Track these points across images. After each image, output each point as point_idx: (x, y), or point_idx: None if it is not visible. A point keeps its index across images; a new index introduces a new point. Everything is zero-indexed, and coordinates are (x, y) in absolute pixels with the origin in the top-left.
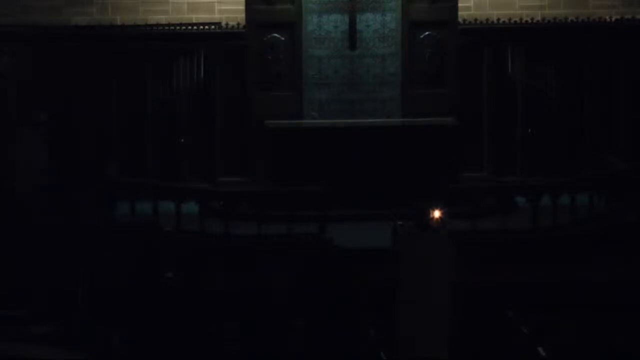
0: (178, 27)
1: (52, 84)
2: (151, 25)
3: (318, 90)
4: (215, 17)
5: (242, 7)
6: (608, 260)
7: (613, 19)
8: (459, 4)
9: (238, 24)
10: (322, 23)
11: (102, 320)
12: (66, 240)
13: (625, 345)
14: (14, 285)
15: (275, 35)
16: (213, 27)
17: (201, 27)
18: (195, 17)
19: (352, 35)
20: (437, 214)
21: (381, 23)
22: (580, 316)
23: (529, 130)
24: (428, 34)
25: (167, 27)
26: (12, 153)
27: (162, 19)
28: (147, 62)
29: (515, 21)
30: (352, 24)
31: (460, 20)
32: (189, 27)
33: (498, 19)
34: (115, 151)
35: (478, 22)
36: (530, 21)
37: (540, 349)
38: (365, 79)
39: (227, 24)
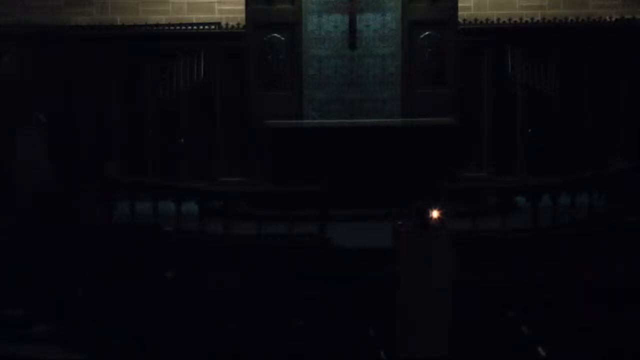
0: (178, 27)
1: (52, 84)
2: (151, 25)
3: (318, 90)
4: (215, 17)
5: (242, 7)
6: (608, 260)
7: (613, 19)
8: (459, 4)
9: (238, 24)
10: (322, 23)
11: (102, 320)
12: (66, 240)
13: (625, 345)
14: (14, 285)
15: (275, 35)
16: (213, 27)
17: (201, 27)
18: (195, 17)
19: (352, 35)
20: (437, 214)
21: (381, 23)
22: (580, 316)
23: (529, 130)
24: (428, 34)
25: (167, 27)
26: (12, 153)
27: (162, 19)
28: (147, 62)
29: (515, 21)
30: (352, 24)
31: (460, 20)
32: (189, 27)
33: (498, 19)
34: (115, 151)
35: (478, 22)
36: (530, 21)
37: (540, 349)
38: (365, 79)
39: (227, 24)
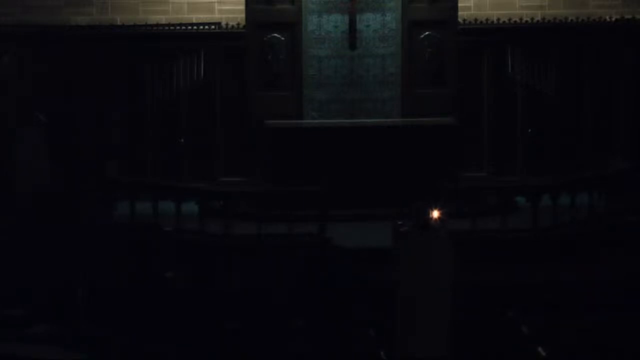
0: (178, 27)
1: (52, 84)
2: (151, 25)
3: (318, 90)
4: (215, 17)
5: (242, 7)
6: (608, 260)
7: (613, 19)
8: (459, 4)
9: (238, 24)
10: (322, 23)
11: (102, 320)
12: (66, 240)
13: (625, 345)
14: (14, 285)
15: (275, 35)
16: (213, 27)
17: (201, 27)
18: (195, 17)
19: (352, 35)
20: (437, 214)
21: (381, 23)
22: (580, 316)
23: (529, 130)
24: (428, 34)
25: (167, 27)
26: (12, 153)
27: (162, 19)
28: (147, 62)
29: (515, 21)
30: (352, 24)
31: (460, 20)
32: (189, 27)
33: (498, 19)
34: (115, 151)
35: (478, 22)
36: (530, 21)
37: (540, 349)
38: (365, 79)
39: (227, 24)
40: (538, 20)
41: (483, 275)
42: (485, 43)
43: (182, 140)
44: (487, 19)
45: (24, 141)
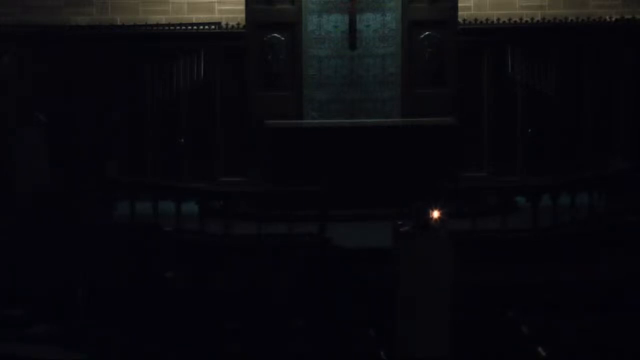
0: (178, 27)
1: (52, 84)
2: (151, 25)
3: (318, 90)
4: (215, 17)
5: (242, 7)
6: (608, 260)
7: (613, 19)
8: (459, 4)
9: (238, 24)
10: (322, 23)
11: (102, 320)
12: (66, 240)
13: (625, 345)
14: (14, 285)
15: (275, 35)
16: (213, 27)
17: (201, 27)
18: (195, 17)
19: (352, 35)
20: (437, 214)
21: (381, 23)
22: (580, 316)
23: (529, 130)
24: (428, 34)
25: (167, 27)
26: (12, 153)
27: (162, 19)
28: (147, 62)
29: (515, 21)
30: (352, 24)
31: (460, 20)
32: (189, 27)
33: (498, 19)
34: (115, 151)
35: (478, 22)
36: (530, 21)
37: (540, 349)
38: (365, 79)
39: (227, 24)
40: (538, 20)
41: (483, 275)
42: (485, 43)
43: (182, 140)
44: (487, 19)
45: (24, 141)
